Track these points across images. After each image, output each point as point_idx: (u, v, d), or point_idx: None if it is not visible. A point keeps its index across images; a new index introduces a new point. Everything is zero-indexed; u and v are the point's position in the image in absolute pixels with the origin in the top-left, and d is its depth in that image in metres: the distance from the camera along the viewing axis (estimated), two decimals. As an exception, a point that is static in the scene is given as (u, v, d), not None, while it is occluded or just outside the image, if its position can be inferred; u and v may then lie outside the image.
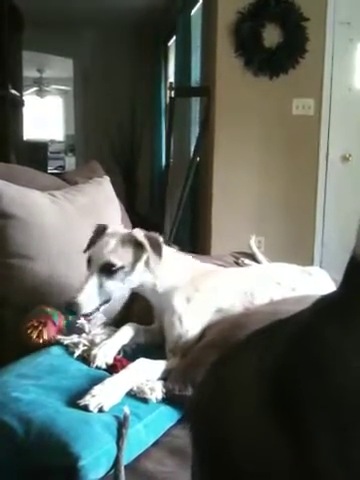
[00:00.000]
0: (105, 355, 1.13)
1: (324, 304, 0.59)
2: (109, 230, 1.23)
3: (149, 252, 1.18)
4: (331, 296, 0.60)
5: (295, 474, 0.48)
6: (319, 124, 3.77)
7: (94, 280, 1.15)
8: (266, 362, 0.55)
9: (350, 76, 3.88)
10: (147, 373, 1.08)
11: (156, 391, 1.03)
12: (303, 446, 0.48)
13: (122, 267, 1.18)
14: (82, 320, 1.24)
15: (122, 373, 1.06)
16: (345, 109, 3.85)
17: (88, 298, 1.14)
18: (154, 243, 1.20)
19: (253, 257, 1.84)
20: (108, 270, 1.16)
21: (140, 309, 1.46)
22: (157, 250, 1.19)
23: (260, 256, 1.81)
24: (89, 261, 1.20)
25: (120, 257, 1.17)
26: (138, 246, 1.19)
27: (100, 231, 1.24)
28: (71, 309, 1.14)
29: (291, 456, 0.48)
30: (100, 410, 0.95)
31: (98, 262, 1.17)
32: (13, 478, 0.89)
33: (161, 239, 1.23)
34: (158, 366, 1.12)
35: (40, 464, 0.87)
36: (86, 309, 1.14)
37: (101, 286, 1.16)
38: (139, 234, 1.20)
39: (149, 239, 1.19)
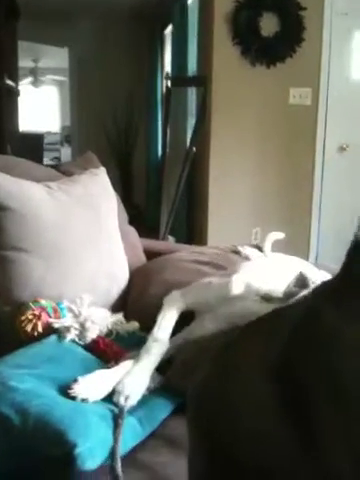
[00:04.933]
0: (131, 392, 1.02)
1: (323, 288, 0.59)
2: None
3: None
4: (330, 280, 0.60)
5: (299, 458, 0.48)
6: (316, 114, 3.76)
7: None
8: (271, 348, 0.54)
9: (347, 66, 3.87)
10: (139, 383, 1.04)
11: (131, 398, 1.00)
12: (307, 429, 0.47)
13: None
14: (68, 303, 1.24)
15: (115, 369, 1.06)
16: (342, 99, 3.84)
17: None
18: None
19: (259, 247, 1.82)
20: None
21: (137, 295, 1.46)
22: None
23: (268, 248, 1.78)
24: None
25: None
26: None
27: (304, 283, 1.11)
28: None
29: (295, 439, 0.48)
30: (83, 401, 0.96)
31: None
32: (10, 467, 0.90)
33: None
34: (149, 375, 1.07)
35: (37, 453, 0.88)
36: None
37: None
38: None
39: None
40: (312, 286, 1.04)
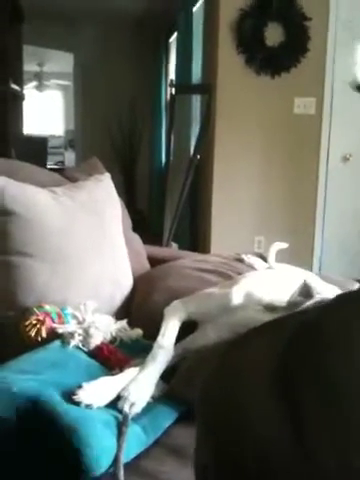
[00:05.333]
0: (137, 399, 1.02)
1: (338, 297, 0.60)
2: None
3: None
4: (347, 292, 0.62)
5: (293, 457, 0.48)
6: (320, 123, 3.77)
7: None
8: (275, 347, 0.55)
9: (352, 76, 3.88)
10: (145, 390, 1.03)
11: (136, 405, 0.99)
12: (299, 427, 0.48)
13: None
14: (72, 310, 1.24)
15: (120, 376, 1.05)
16: (346, 109, 3.86)
17: None
18: None
19: (262, 257, 1.82)
20: None
21: (141, 302, 1.46)
22: None
23: (272, 258, 1.78)
24: None
25: None
26: None
27: (308, 293, 1.08)
28: None
29: (289, 438, 0.49)
30: (87, 407, 0.96)
31: None
32: (14, 473, 0.90)
33: None
34: (155, 382, 1.06)
35: (41, 460, 0.88)
36: None
37: None
38: None
39: None
40: (317, 296, 1.03)
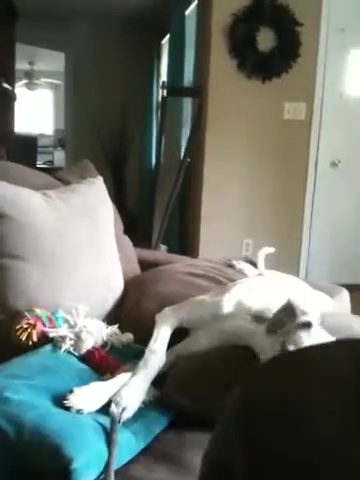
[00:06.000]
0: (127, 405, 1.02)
1: None
2: (314, 331, 1.01)
3: None
4: None
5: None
6: (310, 129, 3.80)
7: None
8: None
9: (342, 82, 3.92)
10: (136, 395, 1.04)
11: (128, 410, 1.00)
12: None
13: None
14: (64, 314, 1.24)
15: (111, 381, 1.06)
16: (336, 115, 3.89)
17: None
18: None
19: (251, 261, 1.83)
20: None
21: (132, 306, 1.46)
22: None
23: (261, 264, 1.79)
24: None
25: None
26: None
27: (295, 312, 1.03)
28: None
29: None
30: (78, 412, 0.96)
31: None
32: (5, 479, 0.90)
33: None
34: (146, 388, 1.07)
35: (32, 466, 0.87)
36: None
37: None
38: None
39: None
40: (301, 318, 1.00)
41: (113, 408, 0.98)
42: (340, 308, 1.53)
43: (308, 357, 0.61)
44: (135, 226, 5.19)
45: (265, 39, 3.65)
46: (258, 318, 1.10)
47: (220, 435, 0.61)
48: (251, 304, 1.15)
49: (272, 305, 1.11)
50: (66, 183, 1.66)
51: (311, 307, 1.05)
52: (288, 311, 1.02)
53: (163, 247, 4.13)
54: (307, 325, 0.99)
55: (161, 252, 3.75)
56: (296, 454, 0.50)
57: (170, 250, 4.16)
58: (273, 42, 3.66)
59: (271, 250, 1.82)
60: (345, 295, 1.68)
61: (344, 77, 3.92)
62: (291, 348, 0.96)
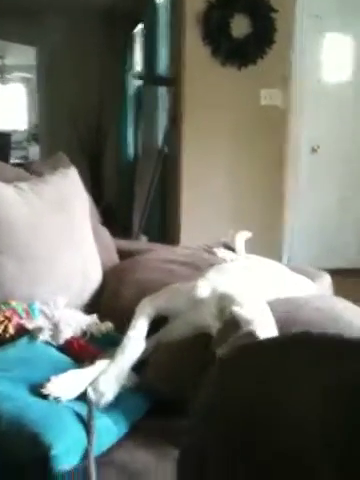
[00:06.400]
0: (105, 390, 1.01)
1: None
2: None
3: None
4: None
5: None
6: (287, 115, 3.80)
7: None
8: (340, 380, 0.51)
9: (319, 67, 3.93)
10: (115, 381, 1.03)
11: (106, 395, 0.99)
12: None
13: None
14: (41, 305, 1.23)
15: (88, 369, 1.05)
16: (314, 100, 3.91)
17: None
18: None
19: (231, 248, 1.82)
20: None
21: (110, 295, 1.45)
22: None
23: (241, 248, 1.77)
24: None
25: None
26: None
27: (235, 326, 1.00)
28: None
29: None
30: (56, 400, 0.96)
31: None
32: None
33: None
34: (125, 374, 1.06)
35: (12, 456, 0.87)
36: None
37: None
38: None
39: None
40: (244, 329, 0.96)
41: (90, 394, 0.97)
42: (322, 292, 1.53)
43: (273, 351, 0.61)
44: (115, 218, 5.16)
45: (240, 26, 3.63)
46: (220, 316, 1.06)
47: (194, 428, 0.61)
48: (225, 289, 1.13)
49: (249, 289, 1.09)
50: (39, 175, 1.63)
51: (258, 312, 1.03)
52: (231, 323, 0.99)
53: (144, 238, 4.11)
54: (250, 335, 0.95)
55: (141, 242, 3.73)
56: (264, 443, 0.51)
57: (151, 240, 4.13)
58: (248, 28, 3.64)
59: (248, 234, 1.81)
60: (327, 279, 1.68)
61: (321, 62, 3.93)
62: None
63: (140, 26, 5.20)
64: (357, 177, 4.09)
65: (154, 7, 4.43)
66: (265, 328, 0.98)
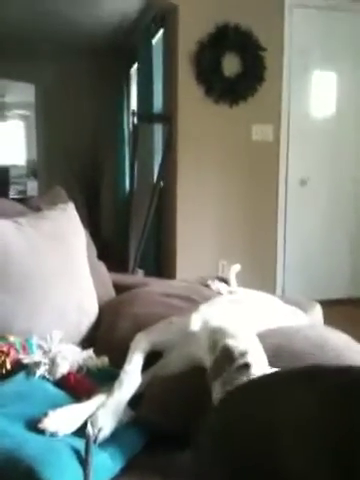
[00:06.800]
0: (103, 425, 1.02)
1: None
2: (254, 371, 0.97)
3: None
4: None
5: None
6: (278, 149, 3.89)
7: None
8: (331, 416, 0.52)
9: (307, 103, 4.04)
10: (112, 415, 1.03)
11: (103, 431, 1.00)
12: None
13: None
14: (38, 340, 1.24)
15: (85, 404, 1.05)
16: (303, 134, 4.00)
17: None
18: None
19: (225, 280, 1.85)
20: None
21: (107, 329, 1.46)
22: None
23: (233, 281, 1.81)
24: None
25: None
26: None
27: (233, 356, 1.00)
28: None
29: None
30: (52, 435, 0.95)
31: None
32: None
33: None
34: (122, 408, 1.06)
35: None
36: None
37: None
38: None
39: None
40: (239, 360, 0.97)
41: (89, 429, 0.97)
42: (313, 322, 1.55)
43: (274, 385, 0.63)
44: (111, 252, 5.18)
45: (231, 64, 3.76)
46: (212, 349, 1.07)
47: (200, 455, 0.62)
48: (216, 323, 1.14)
49: (242, 323, 1.11)
50: (37, 210, 1.66)
51: (253, 343, 1.05)
52: (225, 356, 1.01)
53: (140, 271, 4.13)
54: (245, 366, 0.97)
55: (137, 276, 3.75)
56: (267, 466, 0.52)
57: (147, 274, 4.15)
58: (238, 67, 3.77)
59: (238, 267, 1.85)
60: (318, 309, 1.71)
61: (309, 98, 4.04)
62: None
63: (136, 65, 5.34)
64: (345, 208, 4.15)
65: (149, 47, 4.57)
66: (258, 360, 1.00)
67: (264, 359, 1.02)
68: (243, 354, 0.99)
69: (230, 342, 1.03)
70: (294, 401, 0.58)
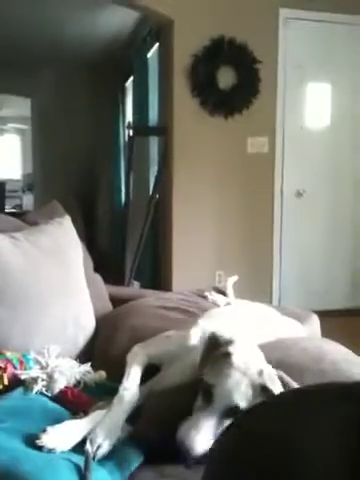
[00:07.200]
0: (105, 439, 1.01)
1: None
2: (234, 359, 0.99)
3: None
4: None
5: None
6: (273, 161, 3.91)
7: (214, 422, 0.96)
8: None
9: (301, 115, 4.06)
10: (111, 432, 1.02)
11: (103, 447, 0.99)
12: None
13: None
14: (35, 355, 1.23)
15: (85, 419, 1.05)
16: (297, 146, 4.02)
17: (203, 443, 0.92)
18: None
19: (222, 292, 1.85)
20: (233, 413, 0.96)
21: (104, 343, 1.46)
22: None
23: (231, 293, 1.82)
24: (208, 391, 0.98)
25: (249, 401, 0.97)
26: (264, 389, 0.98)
27: (217, 345, 1.04)
28: (184, 455, 0.94)
29: None
30: (50, 451, 0.95)
31: (224, 403, 0.96)
32: None
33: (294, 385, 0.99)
34: (121, 425, 1.06)
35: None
36: (199, 453, 0.93)
37: (218, 427, 0.95)
38: (271, 379, 0.98)
39: (284, 386, 0.99)
40: (223, 348, 1.00)
41: (88, 446, 0.97)
42: (310, 333, 1.55)
43: (300, 397, 0.60)
44: (107, 264, 5.18)
45: (226, 77, 3.79)
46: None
47: (214, 473, 0.60)
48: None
49: (240, 334, 1.12)
50: (34, 225, 1.66)
51: (241, 334, 1.07)
52: (211, 343, 1.04)
53: (136, 284, 4.13)
54: (226, 355, 0.99)
55: (133, 288, 3.75)
56: None
57: (143, 286, 4.15)
58: (233, 80, 3.80)
59: (235, 278, 1.86)
60: (315, 320, 1.71)
61: (303, 110, 4.07)
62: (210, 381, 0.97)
63: (132, 78, 5.38)
64: (342, 219, 4.17)
65: (144, 60, 4.61)
66: (245, 352, 1.02)
67: (264, 365, 1.02)
68: (228, 342, 1.02)
69: (217, 332, 1.07)
70: (319, 427, 0.54)
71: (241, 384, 0.96)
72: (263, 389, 0.97)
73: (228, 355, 0.99)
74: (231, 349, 1.00)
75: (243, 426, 0.61)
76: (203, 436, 0.93)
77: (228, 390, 0.96)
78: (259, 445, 0.55)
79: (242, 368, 0.97)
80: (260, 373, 0.98)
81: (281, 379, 0.99)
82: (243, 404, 0.96)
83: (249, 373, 0.97)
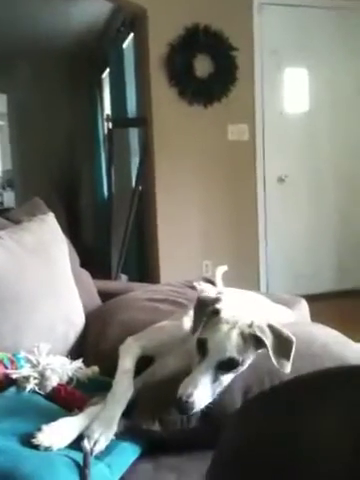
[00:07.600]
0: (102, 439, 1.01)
1: None
2: (223, 314, 1.04)
3: (271, 352, 1.01)
4: None
5: None
6: (254, 148, 3.91)
7: (210, 375, 1.01)
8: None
9: (280, 101, 4.07)
10: (107, 428, 1.03)
11: (100, 443, 0.99)
12: None
13: (242, 361, 1.04)
14: (25, 353, 1.23)
15: (80, 415, 1.05)
16: (278, 132, 4.03)
17: (203, 396, 0.99)
18: (279, 340, 1.02)
19: (210, 281, 1.86)
20: (228, 365, 1.02)
21: (95, 338, 1.45)
22: (283, 350, 1.01)
23: (220, 283, 1.83)
24: (202, 347, 1.03)
25: (242, 352, 1.03)
26: (258, 340, 1.03)
27: (205, 305, 1.08)
28: (183, 410, 0.99)
29: None
30: (47, 449, 0.95)
31: (218, 357, 1.01)
32: None
33: (292, 339, 1.02)
34: (117, 419, 1.06)
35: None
36: (199, 408, 0.99)
37: (215, 381, 1.01)
38: (261, 329, 1.03)
39: (275, 336, 1.02)
40: (211, 306, 1.06)
41: (85, 442, 0.97)
42: (300, 318, 1.57)
43: (302, 389, 0.60)
44: (93, 258, 5.16)
45: (202, 66, 3.77)
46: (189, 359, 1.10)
47: (219, 472, 0.59)
48: None
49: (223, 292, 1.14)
50: (17, 222, 1.65)
51: (227, 294, 1.13)
52: (200, 305, 1.10)
53: (124, 276, 4.12)
54: (216, 312, 1.05)
55: (121, 282, 3.74)
56: None
57: (131, 279, 4.14)
58: (210, 68, 3.78)
59: (224, 268, 1.87)
60: (304, 305, 1.73)
61: (282, 96, 4.08)
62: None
63: (108, 70, 5.33)
64: (325, 202, 4.20)
65: (120, 51, 4.56)
66: (233, 306, 1.07)
67: (254, 317, 1.06)
68: (215, 300, 1.08)
69: (204, 294, 1.13)
70: (324, 414, 0.53)
71: (231, 336, 1.02)
72: (255, 339, 1.03)
73: (217, 311, 1.05)
74: (219, 306, 1.06)
75: (243, 427, 0.61)
76: (200, 390, 0.99)
77: (220, 342, 1.02)
78: (260, 445, 0.55)
79: (231, 321, 1.04)
80: (250, 325, 1.03)
81: (271, 329, 1.03)
82: (236, 355, 1.02)
83: (239, 325, 1.03)
